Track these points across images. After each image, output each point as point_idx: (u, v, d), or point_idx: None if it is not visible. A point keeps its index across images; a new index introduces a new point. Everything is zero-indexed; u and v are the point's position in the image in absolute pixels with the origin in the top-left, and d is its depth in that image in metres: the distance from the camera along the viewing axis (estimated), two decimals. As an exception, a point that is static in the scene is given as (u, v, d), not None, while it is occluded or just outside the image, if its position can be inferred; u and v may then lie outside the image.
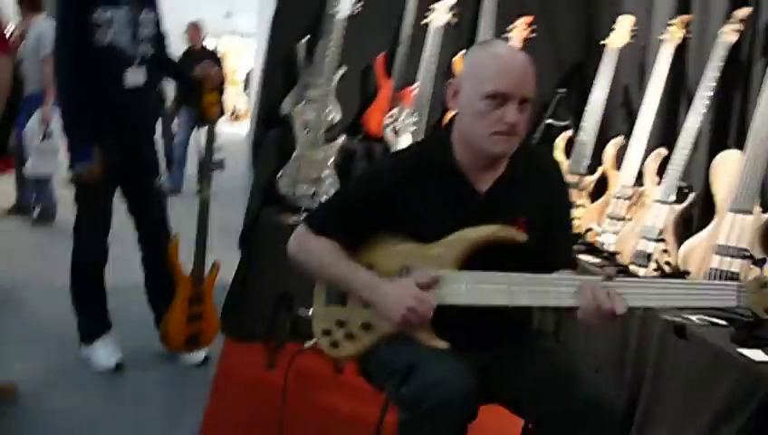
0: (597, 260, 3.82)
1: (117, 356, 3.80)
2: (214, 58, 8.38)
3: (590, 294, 2.04)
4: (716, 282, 2.87)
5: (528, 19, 4.87)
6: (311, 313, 2.41)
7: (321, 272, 2.33)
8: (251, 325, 4.27)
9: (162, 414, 3.44)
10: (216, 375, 3.85)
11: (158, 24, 3.78)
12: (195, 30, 8.54)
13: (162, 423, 3.36)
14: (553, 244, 2.32)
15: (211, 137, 3.83)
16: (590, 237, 3.99)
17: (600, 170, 4.28)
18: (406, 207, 2.23)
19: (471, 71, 2.17)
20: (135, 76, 3.64)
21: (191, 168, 8.02)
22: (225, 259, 4.13)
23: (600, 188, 4.26)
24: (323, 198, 4.19)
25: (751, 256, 3.05)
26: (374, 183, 2.32)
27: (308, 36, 4.87)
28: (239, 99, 21.29)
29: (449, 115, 4.74)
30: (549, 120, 4.70)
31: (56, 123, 5.79)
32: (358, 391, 3.48)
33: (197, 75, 3.85)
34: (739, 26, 3.58)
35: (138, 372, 3.80)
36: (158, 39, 3.81)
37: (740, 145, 3.37)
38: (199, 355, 3.96)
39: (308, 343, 3.28)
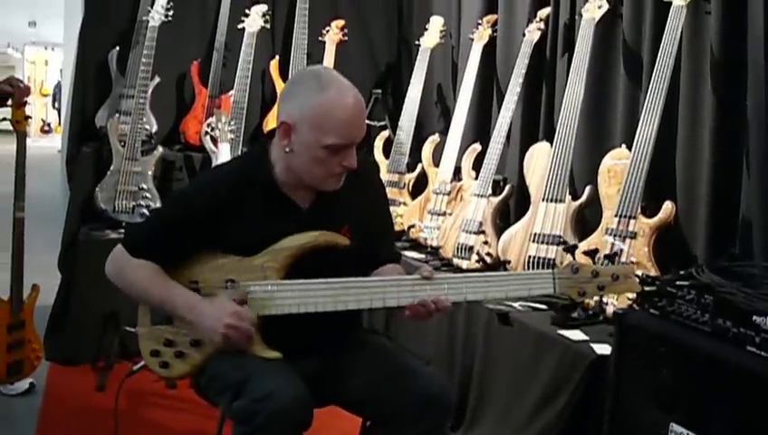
0: (421, 256, 3.92)
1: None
2: None
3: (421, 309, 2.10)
4: (533, 272, 3.00)
5: (341, 22, 4.92)
6: (137, 331, 2.34)
7: (140, 295, 2.28)
8: (77, 348, 4.11)
9: (-13, 450, 3.28)
10: (43, 403, 3.68)
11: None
12: None
13: (-12, 459, 3.20)
14: (376, 241, 2.37)
15: (22, 153, 3.67)
16: (413, 234, 4.09)
17: (418, 168, 4.39)
18: (227, 224, 2.21)
19: (311, 117, 2.12)
20: None
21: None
22: (45, 281, 3.96)
23: (420, 186, 4.36)
24: (144, 211, 4.08)
25: (565, 242, 3.21)
26: (192, 201, 2.28)
27: (119, 45, 4.74)
28: (49, 112, 20.44)
29: (269, 121, 4.76)
30: (366, 121, 4.75)
31: None
32: (193, 405, 3.44)
33: (3, 90, 3.67)
34: (542, 25, 3.77)
35: (-43, 408, 3.60)
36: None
37: (549, 137, 3.54)
38: (23, 384, 3.77)
39: (137, 365, 3.21)
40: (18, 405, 3.68)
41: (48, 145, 15.87)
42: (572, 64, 3.42)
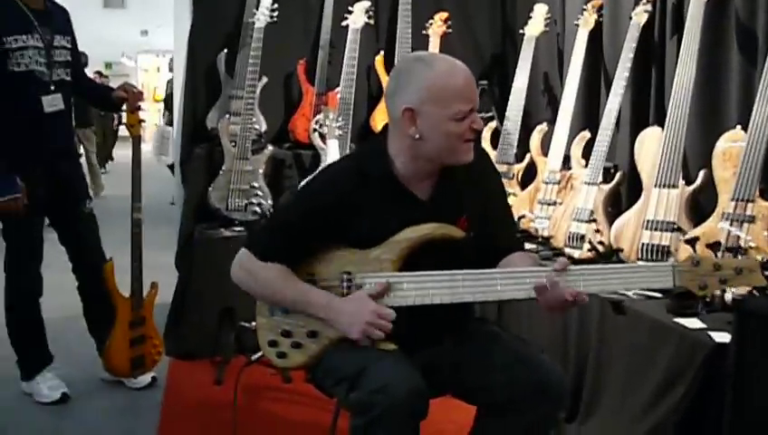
0: (533, 246, 3.87)
1: (61, 388, 3.73)
2: None
3: (550, 288, 2.08)
4: (652, 264, 2.91)
5: (444, 15, 4.91)
6: (255, 325, 2.40)
7: (271, 298, 2.32)
8: (195, 343, 4.24)
9: (113, 442, 3.39)
10: (164, 397, 3.81)
11: (73, 48, 3.74)
12: None
13: (114, 451, 3.31)
14: (497, 232, 2.36)
15: (137, 157, 3.80)
16: (523, 224, 4.04)
17: (527, 158, 4.34)
18: (348, 221, 2.24)
19: (432, 94, 2.16)
20: (52, 102, 3.58)
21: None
22: (164, 279, 4.09)
23: (529, 176, 4.32)
24: (256, 209, 4.15)
25: (679, 229, 3.13)
26: (312, 202, 2.31)
27: (227, 48, 4.86)
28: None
29: (376, 117, 4.79)
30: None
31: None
32: (309, 398, 3.50)
33: (119, 96, 3.80)
34: (649, 7, 3.67)
35: (85, 402, 3.74)
36: (75, 64, 3.76)
37: (660, 122, 3.45)
38: (146, 378, 3.91)
39: (255, 356, 3.29)
40: (142, 398, 3.82)
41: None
42: (682, 45, 3.31)
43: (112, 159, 14.77)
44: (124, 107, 3.83)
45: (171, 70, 10.64)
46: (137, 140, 3.83)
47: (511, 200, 4.22)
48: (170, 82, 10.77)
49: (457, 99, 2.16)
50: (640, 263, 3.20)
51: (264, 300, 2.35)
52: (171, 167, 9.69)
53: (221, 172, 4.47)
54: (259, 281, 2.31)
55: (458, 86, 2.17)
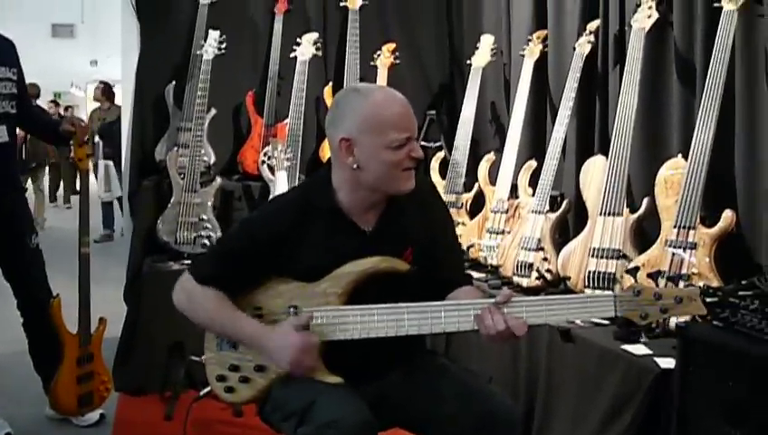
0: (481, 275, 3.90)
1: (4, 429, 3.63)
2: None
3: (490, 320, 2.08)
4: (594, 295, 2.94)
5: (392, 46, 4.95)
6: (204, 359, 2.39)
7: (206, 324, 2.31)
8: (145, 378, 4.18)
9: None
10: (113, 434, 3.74)
11: (19, 80, 3.68)
12: None
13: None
14: (444, 265, 2.36)
15: (85, 189, 3.77)
16: (472, 253, 4.07)
17: (475, 187, 4.38)
18: (291, 253, 2.24)
19: (368, 123, 2.16)
20: None
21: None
22: (113, 313, 4.03)
23: (478, 205, 4.35)
24: (205, 242, 4.13)
25: (625, 256, 3.18)
26: (257, 232, 2.30)
27: (175, 80, 4.84)
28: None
29: (325, 148, 4.80)
30: (421, 143, 4.78)
31: None
32: (260, 432, 3.43)
33: (66, 130, 3.76)
34: (592, 38, 3.74)
35: (31, 442, 3.67)
36: (21, 96, 3.71)
37: (604, 150, 3.51)
38: (94, 416, 3.84)
39: (203, 391, 3.26)
40: (90, 437, 3.75)
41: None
42: (624, 75, 3.38)
43: (78, 192, 14.56)
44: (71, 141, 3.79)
45: (96, 99, 10.43)
46: (85, 174, 3.79)
47: (459, 230, 4.25)
48: (95, 112, 10.52)
49: (393, 127, 2.16)
50: (587, 292, 3.24)
51: (199, 324, 2.33)
52: (110, 204, 9.58)
53: (170, 205, 4.44)
54: (195, 304, 2.30)
55: (394, 115, 2.17)
